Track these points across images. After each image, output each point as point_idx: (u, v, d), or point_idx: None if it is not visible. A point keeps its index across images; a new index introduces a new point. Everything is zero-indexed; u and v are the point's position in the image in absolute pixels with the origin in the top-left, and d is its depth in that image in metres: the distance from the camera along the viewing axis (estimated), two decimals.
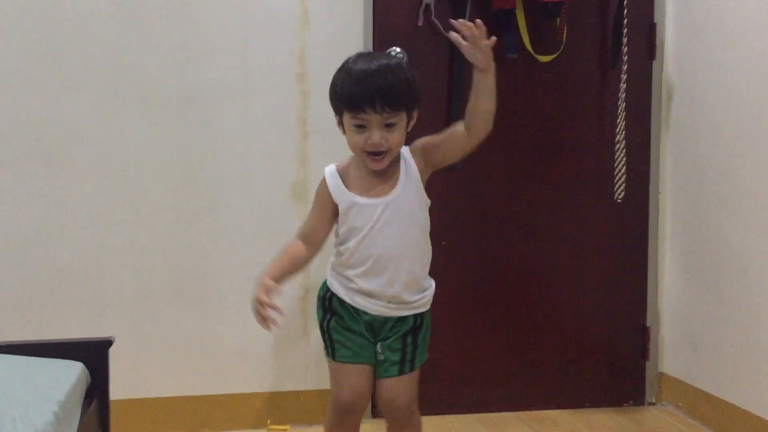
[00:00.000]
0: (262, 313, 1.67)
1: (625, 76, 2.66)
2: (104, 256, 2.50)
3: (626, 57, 2.67)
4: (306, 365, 2.62)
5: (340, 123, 1.77)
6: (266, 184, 2.59)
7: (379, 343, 1.82)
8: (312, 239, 1.81)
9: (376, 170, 1.75)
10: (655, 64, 2.82)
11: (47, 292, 2.47)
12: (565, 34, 2.69)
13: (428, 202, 1.83)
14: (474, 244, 2.76)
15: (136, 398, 2.51)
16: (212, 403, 2.57)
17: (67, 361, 1.82)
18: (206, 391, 2.57)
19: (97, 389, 1.88)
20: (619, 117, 2.68)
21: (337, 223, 1.82)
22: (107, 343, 1.92)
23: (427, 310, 1.86)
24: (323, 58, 2.55)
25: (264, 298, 1.67)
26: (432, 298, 1.87)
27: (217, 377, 2.58)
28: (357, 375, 1.82)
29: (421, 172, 1.80)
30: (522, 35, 2.67)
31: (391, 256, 1.75)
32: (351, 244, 1.77)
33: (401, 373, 1.82)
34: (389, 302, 1.78)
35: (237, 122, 2.56)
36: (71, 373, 1.74)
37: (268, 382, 2.61)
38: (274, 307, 1.67)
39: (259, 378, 2.61)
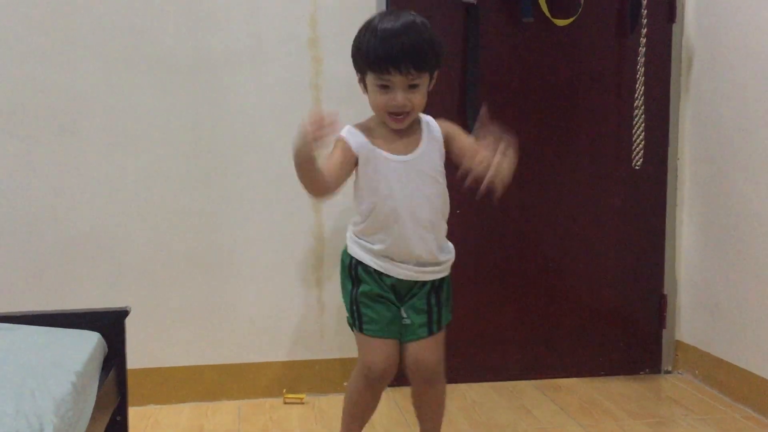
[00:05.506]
0: (316, 131, 1.53)
1: (644, 40, 2.60)
2: (118, 224, 2.49)
3: (645, 20, 2.60)
4: (321, 334, 2.61)
5: (362, 81, 1.77)
6: (279, 151, 2.55)
7: (402, 308, 1.82)
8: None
9: (395, 129, 1.76)
10: (675, 27, 2.76)
11: (62, 262, 2.47)
12: None
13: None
14: (489, 212, 2.73)
15: (153, 367, 2.52)
16: (228, 372, 2.58)
17: (83, 331, 1.83)
18: (222, 360, 2.58)
19: (114, 359, 1.88)
20: (638, 82, 2.63)
21: (356, 185, 1.80)
22: (123, 313, 1.92)
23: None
24: (335, 22, 2.51)
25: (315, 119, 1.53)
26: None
27: (232, 346, 2.59)
28: (386, 346, 1.82)
29: (445, 142, 1.81)
30: None
31: (415, 214, 1.75)
32: (373, 204, 1.76)
33: (430, 333, 1.83)
34: (416, 264, 1.78)
35: (249, 88, 2.53)
36: (88, 343, 1.74)
37: (284, 352, 2.61)
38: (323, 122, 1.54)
39: (274, 347, 2.61)
